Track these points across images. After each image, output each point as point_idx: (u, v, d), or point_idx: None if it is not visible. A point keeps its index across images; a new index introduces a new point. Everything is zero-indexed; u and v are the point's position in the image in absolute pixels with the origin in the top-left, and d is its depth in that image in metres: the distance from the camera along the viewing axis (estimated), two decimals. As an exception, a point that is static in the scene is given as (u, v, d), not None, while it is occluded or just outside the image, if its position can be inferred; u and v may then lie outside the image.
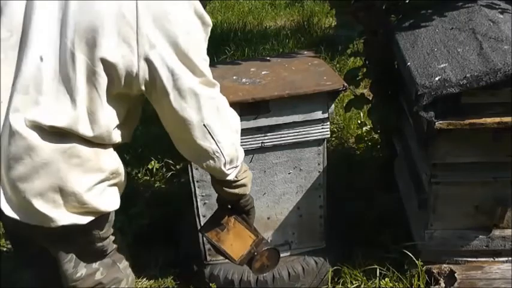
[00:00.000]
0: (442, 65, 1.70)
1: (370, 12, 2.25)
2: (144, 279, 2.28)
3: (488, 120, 1.65)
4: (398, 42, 1.97)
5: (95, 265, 1.42)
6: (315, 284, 2.11)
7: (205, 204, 2.00)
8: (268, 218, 2.07)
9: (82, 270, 1.40)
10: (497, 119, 1.65)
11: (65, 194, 1.20)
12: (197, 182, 1.96)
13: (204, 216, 2.01)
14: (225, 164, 1.31)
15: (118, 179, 1.32)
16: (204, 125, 1.22)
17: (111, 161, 1.28)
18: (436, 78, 1.64)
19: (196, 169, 1.93)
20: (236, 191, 1.41)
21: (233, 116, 1.35)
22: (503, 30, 1.79)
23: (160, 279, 2.27)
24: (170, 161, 2.99)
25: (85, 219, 1.25)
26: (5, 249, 2.46)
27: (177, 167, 2.95)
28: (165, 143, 3.23)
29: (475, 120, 1.65)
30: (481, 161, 1.78)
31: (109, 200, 1.30)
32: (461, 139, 1.73)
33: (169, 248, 2.34)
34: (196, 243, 2.10)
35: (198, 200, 1.99)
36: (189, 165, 1.93)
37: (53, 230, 1.25)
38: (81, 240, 1.35)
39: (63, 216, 1.22)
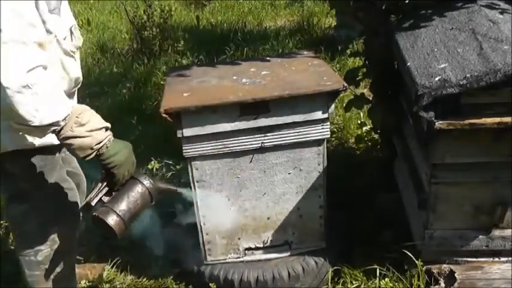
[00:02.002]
0: (442, 65, 1.70)
1: (370, 12, 2.25)
2: (144, 279, 2.28)
3: (488, 120, 1.65)
4: (398, 42, 1.97)
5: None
6: (315, 284, 2.11)
7: (205, 204, 2.00)
8: (268, 218, 2.07)
9: None
10: (497, 119, 1.65)
11: None
12: (197, 182, 1.96)
13: (204, 216, 2.02)
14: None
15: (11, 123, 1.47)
16: None
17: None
18: (436, 79, 1.64)
19: (197, 169, 1.93)
20: (67, 146, 1.47)
21: (25, 55, 1.35)
22: (503, 30, 1.79)
23: (160, 279, 2.27)
24: (170, 161, 2.99)
25: None
26: (5, 249, 2.46)
27: (177, 167, 2.95)
28: (165, 143, 3.25)
29: (475, 120, 1.65)
30: (481, 161, 1.78)
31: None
32: (461, 139, 1.72)
33: (170, 248, 2.33)
34: (196, 243, 2.11)
35: (198, 200, 1.99)
36: (188, 165, 1.93)
37: None
38: None
39: None
